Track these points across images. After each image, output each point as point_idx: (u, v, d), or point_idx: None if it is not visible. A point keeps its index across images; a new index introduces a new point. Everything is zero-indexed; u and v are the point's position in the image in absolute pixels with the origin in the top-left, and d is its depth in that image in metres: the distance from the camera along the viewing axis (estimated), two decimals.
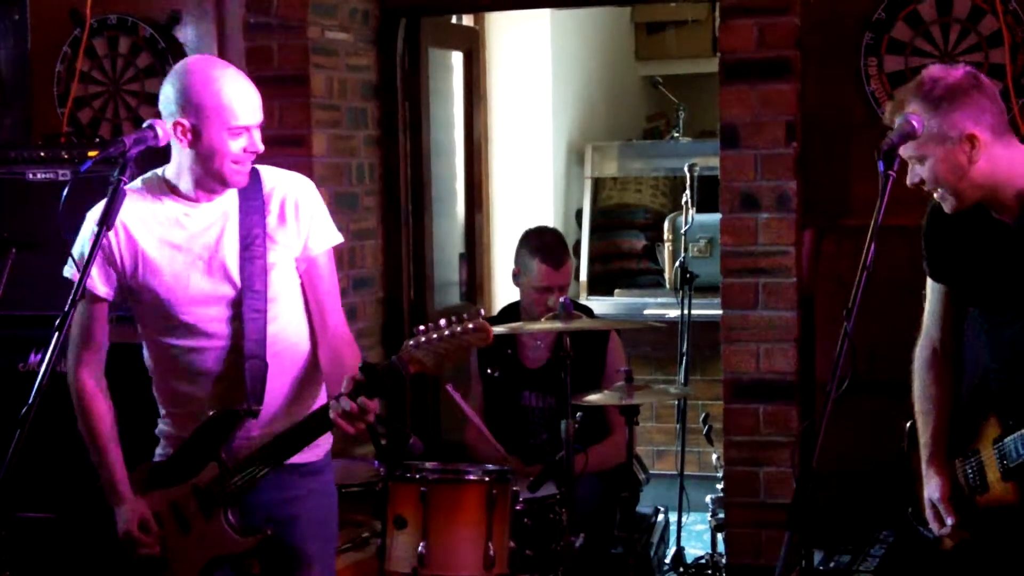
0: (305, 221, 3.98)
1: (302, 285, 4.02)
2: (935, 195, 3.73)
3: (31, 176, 5.67)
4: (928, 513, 3.88)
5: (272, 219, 3.94)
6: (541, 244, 5.76)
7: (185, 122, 3.79)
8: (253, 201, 3.93)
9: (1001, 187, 3.64)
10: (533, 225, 6.12)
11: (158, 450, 4.09)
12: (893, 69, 5.38)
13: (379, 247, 6.77)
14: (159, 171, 3.96)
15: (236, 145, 3.80)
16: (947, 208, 3.73)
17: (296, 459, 3.94)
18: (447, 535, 4.61)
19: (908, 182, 3.70)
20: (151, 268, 3.88)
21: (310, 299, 4.03)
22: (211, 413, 3.91)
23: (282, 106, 6.24)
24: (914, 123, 3.57)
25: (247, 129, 3.82)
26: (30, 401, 3.39)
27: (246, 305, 3.87)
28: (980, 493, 3.80)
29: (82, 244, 3.87)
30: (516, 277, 5.83)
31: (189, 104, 3.78)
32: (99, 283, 3.89)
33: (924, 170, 3.66)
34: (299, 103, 6.23)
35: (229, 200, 3.93)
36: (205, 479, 3.92)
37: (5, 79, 6.58)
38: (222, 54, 6.25)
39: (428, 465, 4.80)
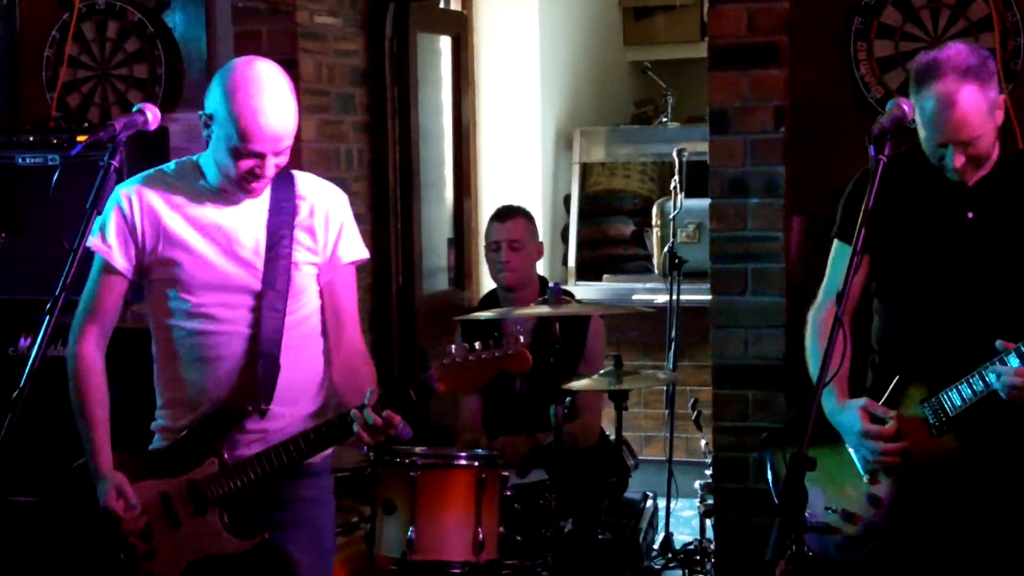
0: (333, 231, 3.92)
1: (321, 295, 3.95)
2: (959, 169, 3.77)
3: (20, 161, 5.64)
4: (869, 429, 3.88)
5: (301, 223, 3.87)
6: (495, 211, 6.02)
7: (206, 118, 3.76)
8: (285, 201, 3.87)
9: None
10: None
11: (152, 446, 3.98)
12: (883, 54, 5.38)
13: (367, 233, 6.74)
14: (194, 156, 3.91)
15: (242, 165, 3.73)
16: (966, 175, 3.80)
17: None
18: (436, 520, 4.61)
19: (956, 165, 3.75)
20: (173, 245, 3.80)
21: (328, 311, 3.96)
22: (215, 407, 3.83)
23: None
24: (904, 107, 3.59)
25: (257, 154, 3.71)
26: (21, 385, 3.37)
27: (266, 301, 3.80)
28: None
29: (107, 211, 3.80)
30: (485, 252, 5.97)
31: (213, 103, 3.73)
32: (118, 256, 3.81)
33: (977, 147, 3.73)
34: None
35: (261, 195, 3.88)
36: (202, 475, 3.82)
37: None
38: (210, 38, 6.26)
39: (417, 450, 4.80)
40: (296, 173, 3.96)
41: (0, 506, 5.21)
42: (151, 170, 3.91)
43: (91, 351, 3.86)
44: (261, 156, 3.71)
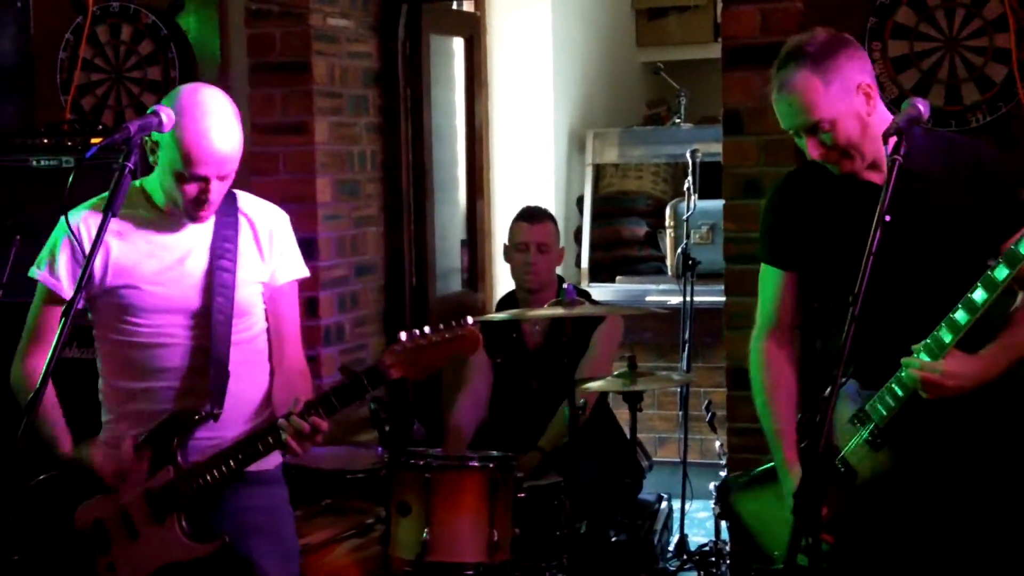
0: (276, 250, 3.98)
1: (265, 313, 4.01)
2: (830, 163, 3.73)
3: (35, 163, 5.67)
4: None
5: (244, 241, 3.92)
6: (522, 210, 6.01)
7: (151, 143, 3.77)
8: (228, 219, 3.92)
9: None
10: None
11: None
12: (897, 53, 5.36)
13: (381, 234, 6.78)
14: (137, 181, 3.91)
15: (187, 190, 3.74)
16: (844, 169, 3.74)
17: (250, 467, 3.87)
18: (451, 521, 4.62)
19: (813, 155, 3.72)
20: (120, 274, 3.83)
21: (271, 328, 4.02)
22: (167, 415, 3.83)
23: (284, 94, 6.25)
24: (919, 107, 3.56)
25: (202, 178, 3.72)
26: (36, 388, 3.38)
27: (214, 309, 3.83)
28: (851, 481, 3.79)
29: (53, 241, 3.86)
30: (506, 252, 5.92)
31: (160, 127, 3.70)
32: (67, 289, 3.81)
33: (834, 134, 3.67)
34: (301, 90, 6.24)
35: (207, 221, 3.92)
36: (159, 482, 3.82)
37: (7, 67, 6.57)
38: (224, 41, 6.26)
39: (432, 451, 4.80)
40: (238, 193, 4.00)
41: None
42: (96, 198, 3.89)
43: (36, 366, 3.84)
44: (205, 180, 3.73)
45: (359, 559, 4.92)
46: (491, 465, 4.68)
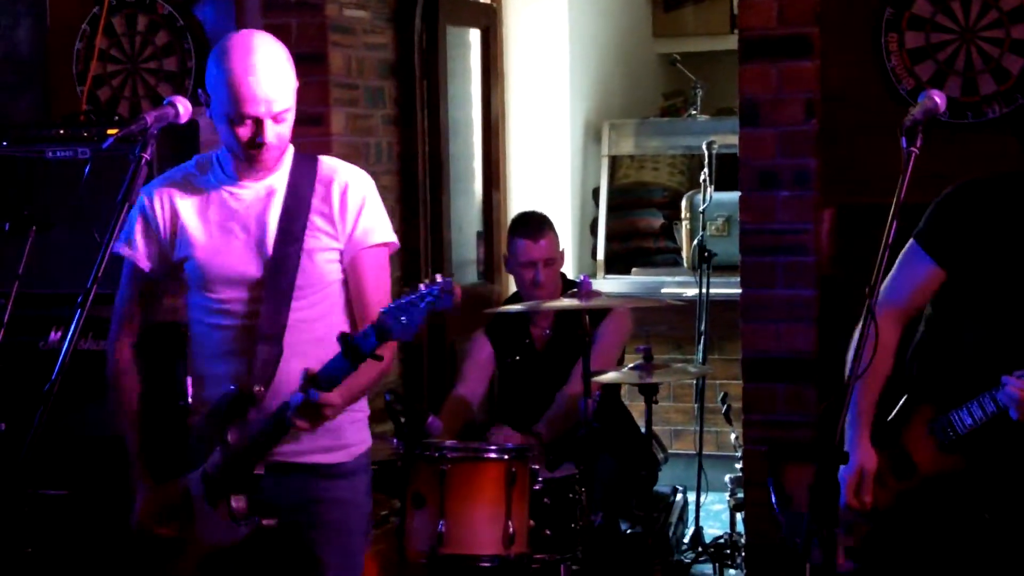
0: (352, 212, 3.79)
1: (345, 282, 3.85)
2: None
3: (50, 154, 5.67)
4: (849, 483, 3.84)
5: (320, 205, 3.78)
6: (519, 221, 5.90)
7: (206, 96, 3.73)
8: (304, 184, 3.80)
9: None
10: (547, 206, 6.14)
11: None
12: (914, 45, 5.34)
13: (396, 226, 6.70)
14: (214, 152, 3.87)
15: (241, 133, 3.67)
16: None
17: (320, 459, 3.80)
18: (466, 513, 4.62)
19: None
20: (190, 244, 3.78)
21: (353, 297, 3.84)
22: (221, 394, 3.75)
23: (300, 85, 6.22)
24: (936, 99, 3.54)
25: (253, 118, 3.66)
26: (52, 378, 3.37)
27: (270, 286, 3.72)
28: (901, 479, 3.79)
29: (131, 215, 3.82)
30: (507, 263, 5.88)
31: (208, 79, 3.70)
32: (143, 259, 3.82)
33: None
34: (317, 81, 6.22)
35: (279, 179, 3.81)
36: (212, 465, 3.74)
37: (23, 58, 6.58)
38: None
39: (447, 443, 4.80)
40: (321, 158, 3.90)
41: (32, 499, 5.23)
42: (172, 170, 3.89)
43: (123, 353, 3.87)
44: (258, 121, 3.66)
45: (374, 551, 4.92)
46: (507, 456, 4.68)
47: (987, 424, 3.72)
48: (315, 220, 3.78)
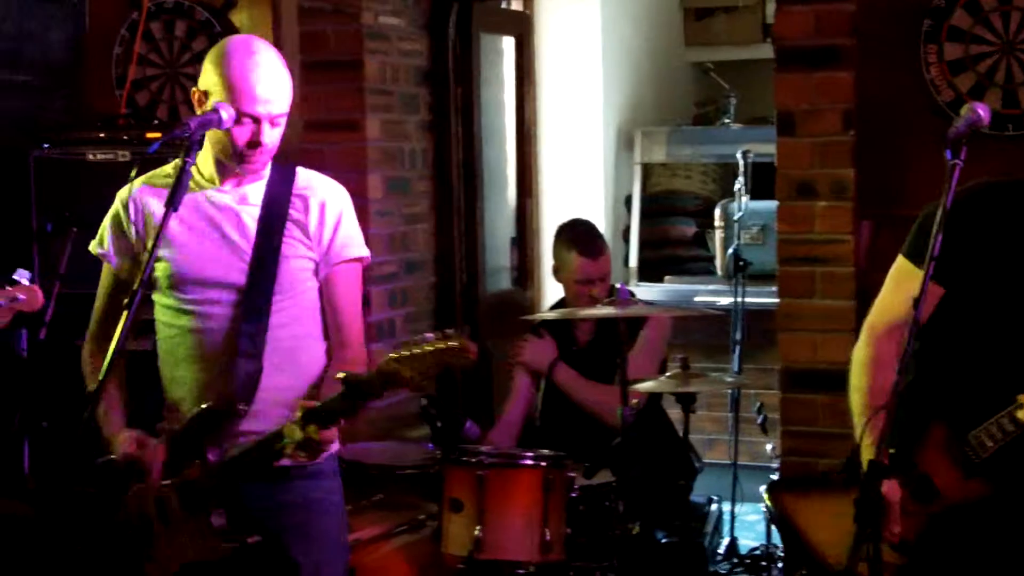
0: (331, 228, 3.83)
1: (320, 294, 3.87)
2: None
3: (91, 157, 5.71)
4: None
5: (297, 215, 3.81)
6: (575, 236, 5.73)
7: (199, 94, 3.74)
8: (282, 193, 3.82)
9: None
10: (579, 213, 6.11)
11: None
12: (953, 57, 5.34)
13: (431, 231, 6.80)
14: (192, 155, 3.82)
15: (238, 132, 3.69)
16: None
17: (286, 461, 3.68)
18: (503, 519, 4.62)
19: None
20: (164, 244, 3.76)
21: (327, 312, 3.87)
22: (199, 408, 3.72)
23: (336, 91, 6.27)
24: (980, 112, 3.51)
25: (252, 118, 3.68)
26: (101, 378, 3.41)
27: (251, 296, 3.74)
28: (923, 503, 3.74)
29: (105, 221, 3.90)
30: (556, 273, 5.80)
31: (206, 78, 3.71)
32: (115, 258, 3.88)
33: None
34: (353, 88, 6.26)
35: (256, 187, 3.83)
36: (188, 478, 3.69)
37: (57, 62, 6.61)
38: (276, 38, 6.28)
39: (484, 449, 4.80)
40: (298, 168, 3.92)
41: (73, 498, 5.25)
42: (149, 173, 3.90)
43: (99, 347, 3.88)
44: (256, 121, 3.69)
45: (410, 555, 4.93)
46: (544, 464, 4.68)
47: (1008, 445, 3.61)
48: (291, 228, 3.81)
